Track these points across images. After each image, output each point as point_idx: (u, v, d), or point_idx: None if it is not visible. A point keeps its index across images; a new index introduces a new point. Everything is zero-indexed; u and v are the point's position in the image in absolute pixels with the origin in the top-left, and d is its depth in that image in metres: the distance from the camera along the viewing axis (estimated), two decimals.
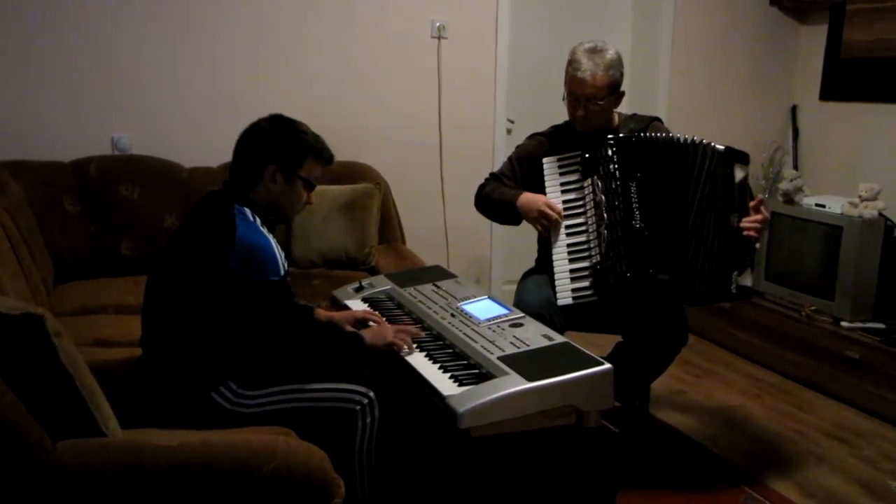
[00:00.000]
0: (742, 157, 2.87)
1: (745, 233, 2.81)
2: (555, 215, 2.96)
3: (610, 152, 2.93)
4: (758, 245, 2.89)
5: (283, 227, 3.86)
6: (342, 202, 3.97)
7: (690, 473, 3.15)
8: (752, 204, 2.86)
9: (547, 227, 2.99)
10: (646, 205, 2.89)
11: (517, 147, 3.26)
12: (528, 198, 3.02)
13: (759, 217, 2.85)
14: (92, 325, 3.09)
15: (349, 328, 2.65)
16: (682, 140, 2.91)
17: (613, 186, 2.91)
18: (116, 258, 3.76)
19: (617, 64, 2.94)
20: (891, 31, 4.45)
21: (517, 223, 3.14)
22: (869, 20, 4.59)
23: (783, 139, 5.24)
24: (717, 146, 2.85)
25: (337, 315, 2.73)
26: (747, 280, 2.86)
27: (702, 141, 2.88)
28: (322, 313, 2.73)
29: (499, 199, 3.11)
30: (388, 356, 2.43)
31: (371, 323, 2.68)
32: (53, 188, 3.68)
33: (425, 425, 2.59)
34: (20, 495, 1.66)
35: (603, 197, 2.92)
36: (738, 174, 2.84)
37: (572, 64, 2.95)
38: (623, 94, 3.02)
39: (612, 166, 2.92)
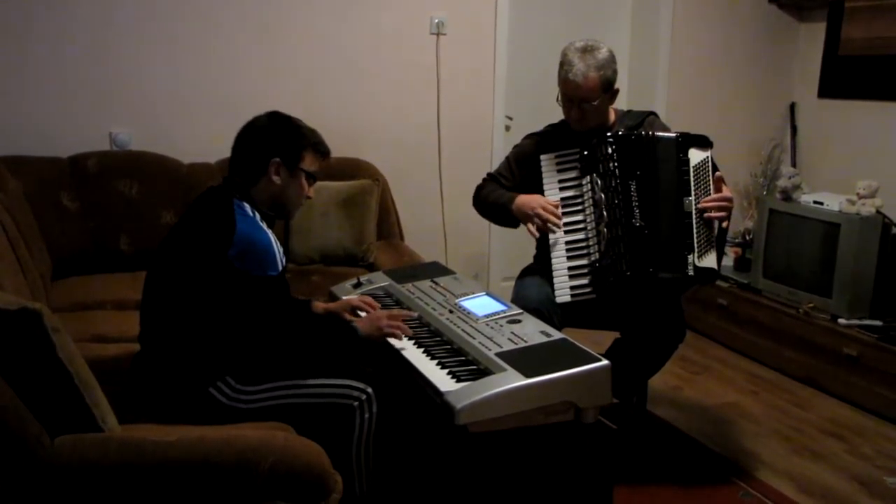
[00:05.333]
0: (699, 141, 2.93)
1: (706, 214, 2.85)
2: (549, 216, 2.96)
3: (610, 150, 2.93)
4: (724, 225, 2.92)
5: (281, 223, 3.86)
6: (340, 198, 3.97)
7: (688, 470, 3.16)
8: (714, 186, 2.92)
9: (541, 228, 2.98)
10: (645, 203, 2.89)
11: (514, 147, 3.26)
12: (523, 200, 3.02)
13: (716, 195, 2.88)
14: (90, 321, 3.10)
15: (347, 316, 2.67)
16: (652, 134, 2.96)
17: (613, 185, 2.91)
18: (115, 254, 3.76)
19: (609, 62, 2.93)
20: (889, 29, 4.46)
21: (514, 226, 3.15)
22: (867, 18, 4.60)
23: (782, 136, 5.25)
24: (671, 134, 2.94)
25: (333, 306, 2.75)
26: (710, 262, 2.87)
27: (660, 133, 2.96)
28: (319, 306, 2.74)
29: (494, 201, 3.12)
30: (386, 351, 2.44)
31: (363, 313, 2.70)
32: (52, 184, 3.68)
33: (423, 421, 2.59)
34: (18, 490, 1.67)
35: (602, 195, 2.92)
36: (696, 158, 2.90)
37: (564, 65, 2.94)
38: (617, 91, 3.02)
39: (611, 164, 2.92)
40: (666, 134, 2.95)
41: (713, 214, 2.86)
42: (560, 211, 2.98)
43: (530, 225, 2.99)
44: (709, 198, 2.88)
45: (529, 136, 3.24)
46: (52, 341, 1.76)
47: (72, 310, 3.23)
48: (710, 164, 2.92)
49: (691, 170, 2.88)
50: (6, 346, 1.74)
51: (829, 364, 3.91)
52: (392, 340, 2.45)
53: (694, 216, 2.85)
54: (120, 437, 1.84)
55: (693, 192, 2.87)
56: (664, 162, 2.91)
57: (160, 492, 1.73)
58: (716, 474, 3.12)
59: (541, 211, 2.95)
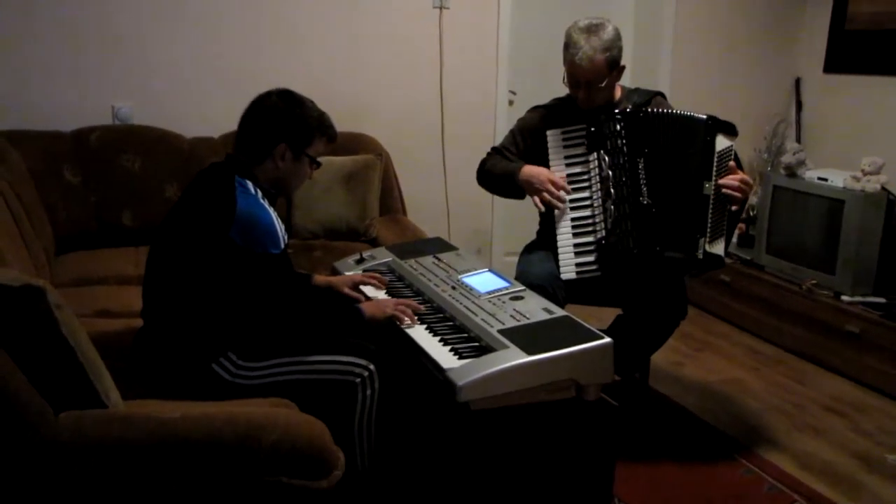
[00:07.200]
0: (727, 128, 2.91)
1: (724, 190, 2.84)
2: (556, 192, 2.95)
3: (618, 127, 2.91)
4: (734, 207, 2.89)
5: (283, 198, 3.86)
6: (343, 173, 3.96)
7: (689, 446, 3.17)
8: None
9: (547, 203, 2.97)
10: (653, 181, 2.88)
11: (519, 120, 3.24)
12: (530, 171, 3.00)
13: (738, 177, 2.87)
14: (93, 296, 3.10)
15: (347, 290, 2.67)
16: (675, 113, 2.93)
17: (621, 162, 2.90)
18: (117, 229, 3.76)
19: (614, 42, 2.90)
20: None
21: (521, 197, 3.13)
22: None
23: (786, 112, 5.22)
24: (700, 115, 2.89)
25: (335, 279, 2.75)
26: (718, 249, 2.87)
27: (690, 113, 2.91)
28: (321, 279, 2.74)
29: (501, 172, 3.10)
30: (389, 328, 2.44)
31: (370, 286, 2.69)
32: (54, 158, 3.68)
33: (425, 398, 2.60)
34: (22, 466, 1.68)
35: (610, 172, 2.91)
36: (721, 144, 2.87)
37: (570, 48, 2.90)
38: (623, 67, 2.99)
39: (619, 141, 2.90)
40: (696, 114, 2.91)
41: (732, 193, 2.85)
42: (566, 189, 2.97)
43: (536, 198, 2.99)
44: (731, 177, 2.87)
45: (535, 109, 3.21)
46: (55, 318, 1.76)
47: (75, 285, 3.24)
48: (732, 152, 2.91)
49: (715, 155, 2.86)
50: (9, 323, 1.74)
51: (832, 341, 3.91)
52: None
53: (711, 201, 2.84)
54: (123, 414, 1.84)
55: (713, 178, 2.85)
56: (689, 142, 2.87)
57: (163, 468, 1.74)
58: (717, 451, 3.14)
59: (549, 186, 2.95)
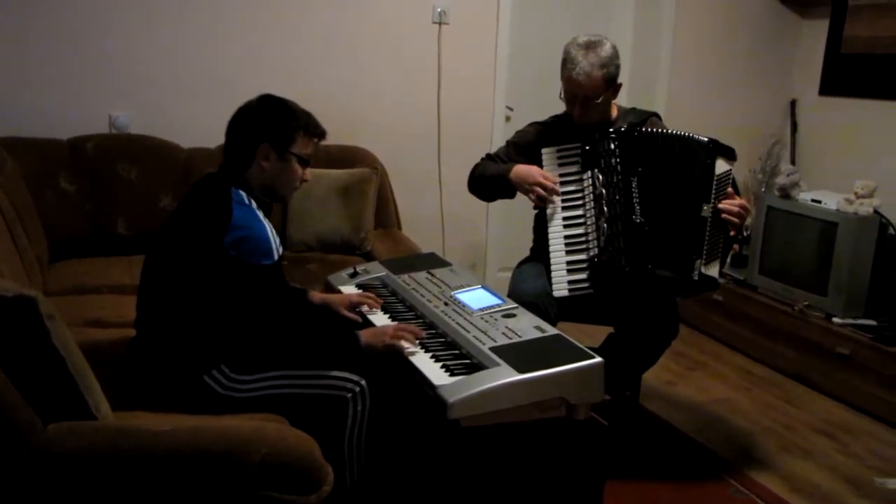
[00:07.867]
0: (727, 152, 2.91)
1: (722, 215, 2.84)
2: (550, 185, 2.95)
3: (612, 146, 2.92)
4: (732, 233, 2.90)
5: (279, 210, 3.86)
6: (339, 186, 3.97)
7: (679, 466, 3.18)
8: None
9: (542, 199, 2.98)
10: (646, 200, 2.89)
11: (516, 133, 3.25)
12: (522, 169, 3.01)
13: (737, 202, 2.87)
14: (86, 305, 3.10)
15: (344, 312, 2.66)
16: (675, 134, 2.93)
17: (614, 180, 2.91)
18: (112, 237, 3.77)
19: (612, 59, 2.92)
20: (892, 28, 4.45)
21: (511, 196, 3.13)
22: (871, 16, 4.59)
23: (781, 133, 5.24)
24: (702, 137, 2.88)
25: (332, 298, 2.73)
26: (713, 272, 2.88)
27: (692, 134, 2.90)
28: (317, 296, 2.73)
29: (492, 174, 3.10)
30: (385, 356, 2.41)
31: (366, 308, 2.68)
32: (50, 166, 3.68)
33: (416, 415, 2.60)
34: (10, 477, 1.67)
35: (603, 190, 2.92)
36: (721, 167, 2.87)
37: (567, 63, 2.92)
38: (620, 85, 3.01)
39: (613, 160, 2.92)
40: (697, 136, 2.90)
41: (731, 219, 2.85)
42: (558, 184, 2.98)
43: (530, 195, 3.00)
44: (730, 201, 2.87)
45: (533, 125, 3.23)
46: (46, 328, 1.76)
47: (68, 293, 3.23)
48: (731, 177, 2.92)
49: (714, 178, 2.86)
50: (1, 333, 1.74)
51: (823, 362, 3.92)
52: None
53: (708, 223, 2.85)
54: (113, 426, 1.84)
55: (712, 200, 2.85)
56: (688, 164, 2.87)
57: (152, 481, 1.74)
58: (707, 471, 3.14)
59: (541, 180, 2.96)
